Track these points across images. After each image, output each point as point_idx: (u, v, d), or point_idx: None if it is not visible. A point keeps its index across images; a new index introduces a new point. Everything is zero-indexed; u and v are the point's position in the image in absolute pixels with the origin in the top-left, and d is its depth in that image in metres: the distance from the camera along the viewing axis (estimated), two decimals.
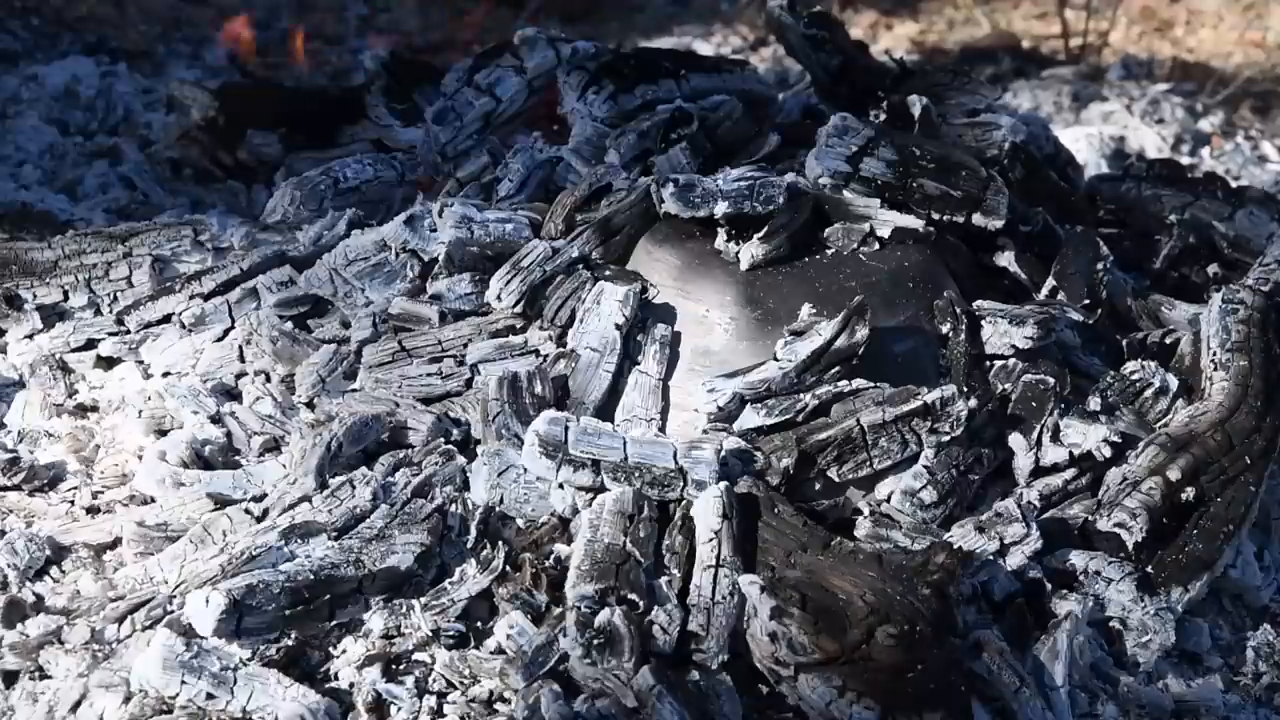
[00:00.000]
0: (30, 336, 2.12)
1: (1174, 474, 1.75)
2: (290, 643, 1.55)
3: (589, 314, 1.90)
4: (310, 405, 1.94)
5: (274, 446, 1.89)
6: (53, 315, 2.13)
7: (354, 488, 1.73)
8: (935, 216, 2.04)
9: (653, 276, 1.96)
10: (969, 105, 2.44)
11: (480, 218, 2.04)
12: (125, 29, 3.84)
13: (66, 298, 2.13)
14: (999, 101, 2.53)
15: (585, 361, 1.86)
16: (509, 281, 1.93)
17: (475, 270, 2.01)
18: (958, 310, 1.90)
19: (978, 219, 2.05)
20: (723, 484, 1.64)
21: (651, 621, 1.51)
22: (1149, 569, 1.70)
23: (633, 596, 1.53)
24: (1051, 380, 1.83)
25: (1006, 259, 2.12)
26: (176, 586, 1.60)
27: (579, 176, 2.22)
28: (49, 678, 1.54)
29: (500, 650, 1.57)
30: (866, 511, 1.73)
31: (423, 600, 1.61)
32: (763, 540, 1.62)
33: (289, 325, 2.04)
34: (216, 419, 1.92)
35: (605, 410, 1.84)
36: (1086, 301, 1.99)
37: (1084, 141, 3.36)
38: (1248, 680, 1.71)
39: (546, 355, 1.90)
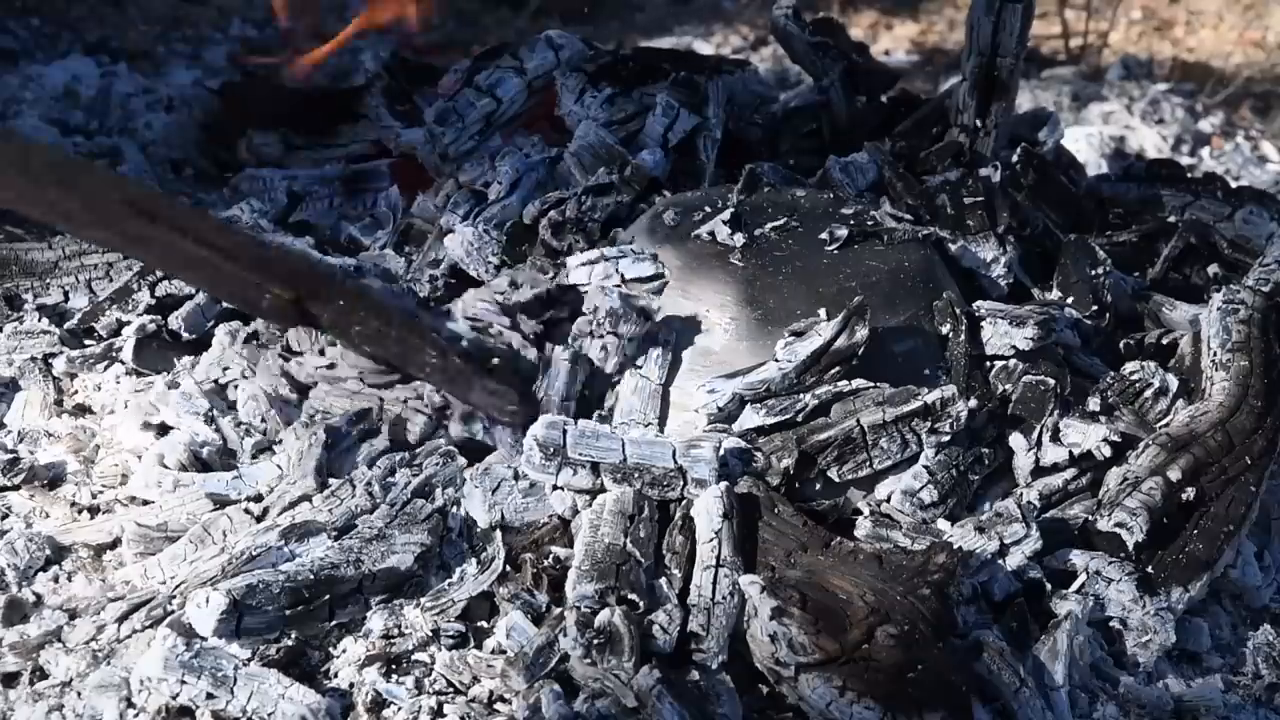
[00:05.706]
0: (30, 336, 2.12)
1: (1174, 474, 1.75)
2: (290, 643, 1.55)
3: None
4: (302, 403, 1.94)
5: (267, 447, 1.89)
6: (53, 315, 2.13)
7: (354, 488, 1.73)
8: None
9: None
10: None
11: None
12: (125, 29, 3.83)
13: (67, 298, 2.13)
14: None
15: None
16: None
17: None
18: (958, 310, 1.90)
19: None
20: (723, 484, 1.64)
21: (651, 621, 1.51)
22: (1149, 569, 1.70)
23: (633, 596, 1.53)
24: (1051, 381, 1.83)
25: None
26: (176, 586, 1.60)
27: (578, 183, 2.21)
28: (49, 678, 1.54)
29: (500, 650, 1.57)
30: (866, 511, 1.73)
31: (423, 600, 1.61)
32: (763, 540, 1.62)
33: None
34: (211, 420, 1.91)
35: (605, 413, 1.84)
36: (1095, 308, 2.00)
37: (1084, 141, 3.36)
38: (1248, 680, 1.71)
39: None
